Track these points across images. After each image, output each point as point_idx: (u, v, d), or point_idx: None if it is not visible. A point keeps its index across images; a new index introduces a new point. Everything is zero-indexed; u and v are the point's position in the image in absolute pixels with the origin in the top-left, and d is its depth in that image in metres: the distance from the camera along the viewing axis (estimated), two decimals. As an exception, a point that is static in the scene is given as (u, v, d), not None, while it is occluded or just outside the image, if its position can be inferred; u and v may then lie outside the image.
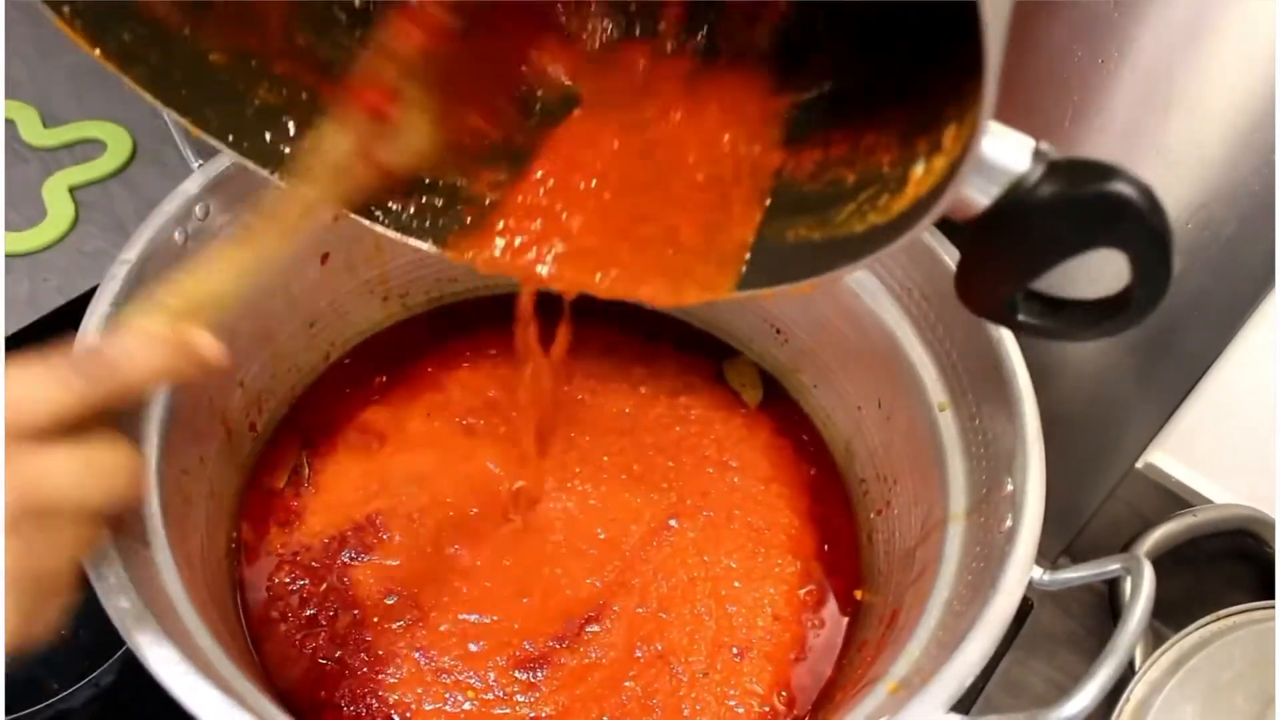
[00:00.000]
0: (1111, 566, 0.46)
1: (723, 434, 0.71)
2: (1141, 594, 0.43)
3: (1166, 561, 0.65)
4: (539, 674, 0.59)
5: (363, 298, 0.72)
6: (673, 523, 0.66)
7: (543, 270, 0.49)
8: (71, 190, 0.89)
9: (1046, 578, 0.48)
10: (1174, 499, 0.71)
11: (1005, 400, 0.55)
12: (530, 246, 0.49)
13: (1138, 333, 0.62)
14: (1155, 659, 0.58)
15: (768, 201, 0.49)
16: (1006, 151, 0.37)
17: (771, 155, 0.50)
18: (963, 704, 0.44)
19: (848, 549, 0.68)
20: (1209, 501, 0.70)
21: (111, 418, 0.40)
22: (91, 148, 0.92)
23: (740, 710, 0.59)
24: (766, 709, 0.59)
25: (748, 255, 0.47)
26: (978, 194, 0.38)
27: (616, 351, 0.75)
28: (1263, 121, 0.52)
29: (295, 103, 0.50)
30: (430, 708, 0.57)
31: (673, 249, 0.48)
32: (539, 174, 0.51)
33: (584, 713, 0.58)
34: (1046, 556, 0.48)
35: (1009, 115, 0.58)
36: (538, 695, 0.58)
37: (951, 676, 0.45)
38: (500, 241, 0.50)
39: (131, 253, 0.53)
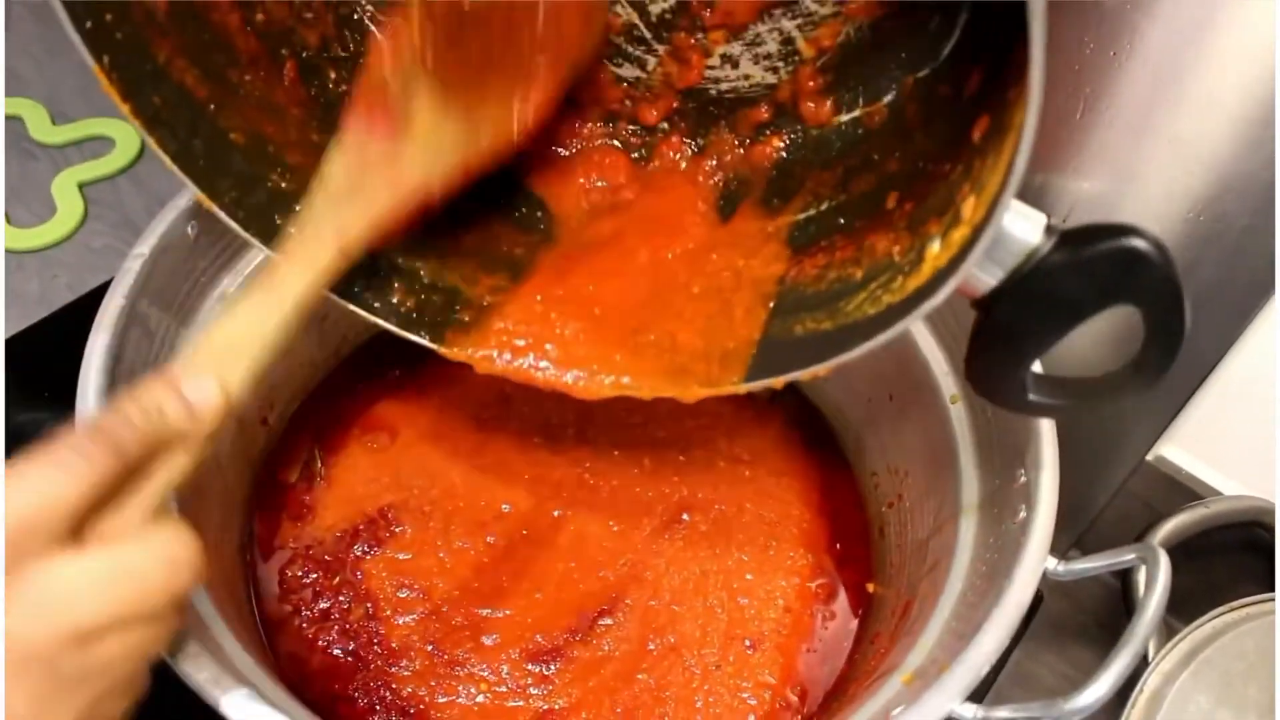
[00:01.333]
0: (1126, 557, 0.46)
1: (734, 427, 0.71)
2: (1157, 584, 0.43)
3: (1178, 553, 0.64)
4: (552, 667, 0.59)
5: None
6: (684, 516, 0.66)
7: (539, 375, 0.50)
8: (81, 187, 0.89)
9: (1060, 568, 0.48)
10: (1185, 491, 0.71)
11: (1017, 392, 0.55)
12: (526, 352, 0.51)
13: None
14: (1168, 650, 0.58)
15: (772, 304, 0.50)
16: (1021, 224, 0.38)
17: (773, 267, 0.51)
18: (974, 696, 0.44)
19: (859, 541, 0.68)
20: (1219, 493, 0.70)
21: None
22: (100, 145, 0.92)
23: (753, 702, 0.59)
24: (779, 701, 0.59)
25: (754, 351, 0.48)
26: (993, 266, 0.39)
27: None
28: (1274, 113, 0.52)
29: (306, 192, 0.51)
30: (443, 700, 0.57)
31: (671, 353, 0.50)
32: (537, 289, 0.52)
33: (597, 705, 0.58)
34: (1058, 550, 0.48)
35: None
36: (551, 688, 0.58)
37: (967, 667, 0.45)
38: (496, 347, 0.51)
39: (145, 246, 0.54)
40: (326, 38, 0.53)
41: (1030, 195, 0.60)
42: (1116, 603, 0.67)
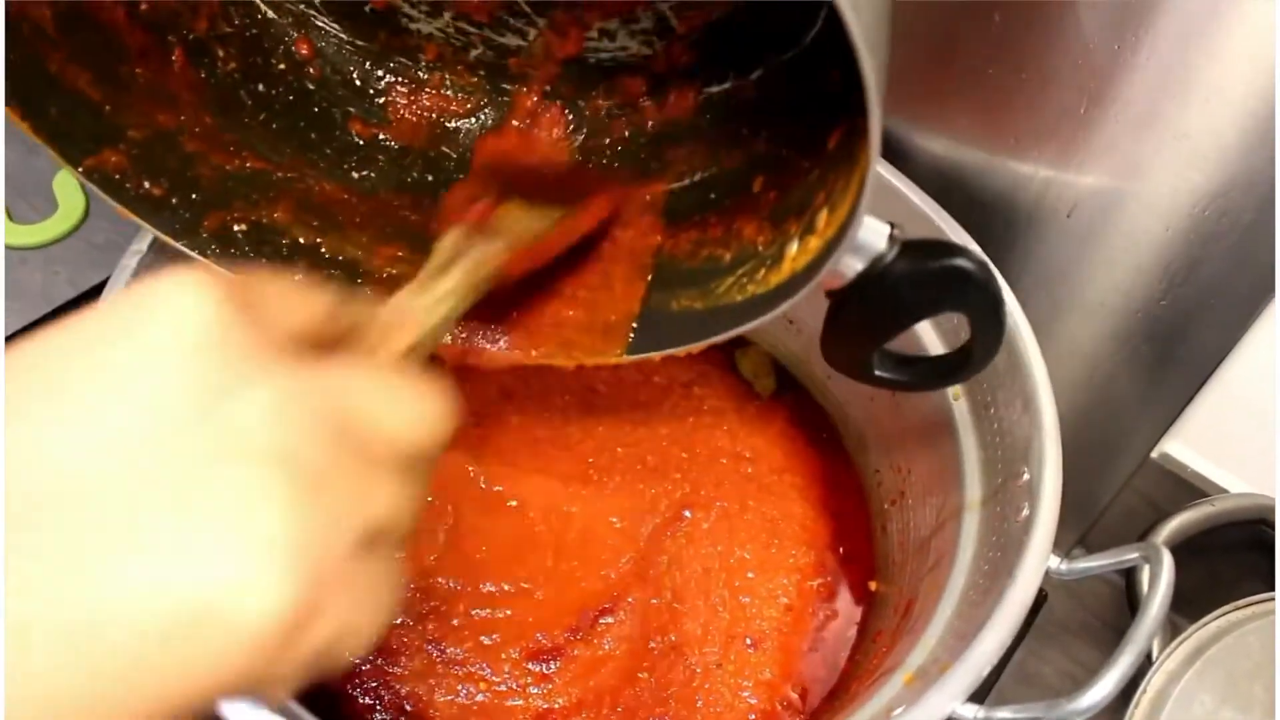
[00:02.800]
0: (1130, 555, 0.46)
1: (736, 424, 0.71)
2: (1161, 583, 0.42)
3: (1183, 551, 0.64)
4: (552, 666, 0.59)
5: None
6: (687, 514, 0.66)
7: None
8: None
9: (1064, 567, 0.48)
10: (1190, 489, 0.70)
11: (1021, 389, 0.54)
12: None
13: (1154, 320, 0.62)
14: (1172, 649, 0.57)
15: (650, 277, 0.52)
16: (868, 233, 0.42)
17: (650, 237, 0.54)
18: (977, 695, 0.44)
19: (862, 539, 0.67)
20: (1224, 491, 0.69)
21: None
22: (102, 140, 0.92)
23: (754, 701, 0.59)
24: (780, 700, 0.59)
25: (635, 324, 0.51)
26: (844, 270, 0.44)
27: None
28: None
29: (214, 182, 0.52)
30: (443, 699, 0.57)
31: (557, 326, 0.52)
32: None
33: (597, 704, 0.58)
34: (1061, 547, 0.48)
35: (1025, 103, 0.58)
36: (551, 687, 0.58)
37: (969, 667, 0.44)
38: None
39: (143, 243, 0.53)
40: (213, 18, 0.53)
41: (1033, 190, 0.61)
42: (1121, 601, 0.67)
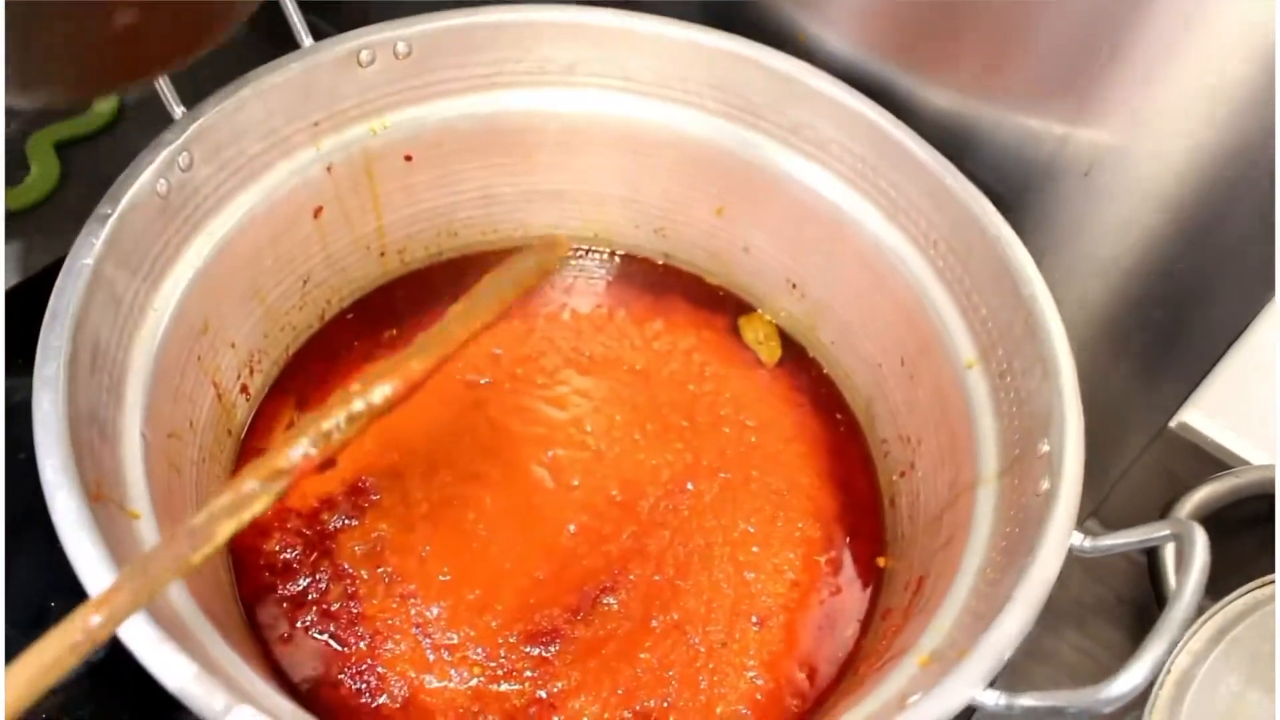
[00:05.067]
0: (1160, 533, 0.43)
1: (739, 392, 0.68)
2: (1194, 564, 0.40)
3: (1206, 526, 0.61)
4: (551, 648, 0.56)
5: (359, 254, 0.68)
6: (689, 485, 0.63)
7: None
8: (56, 147, 0.85)
9: (1087, 544, 0.45)
10: (1209, 460, 0.67)
11: (1039, 357, 0.52)
12: None
13: (1171, 283, 0.60)
14: (1196, 629, 0.54)
15: None
16: None
17: None
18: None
19: (869, 513, 0.65)
20: (1245, 462, 0.66)
21: None
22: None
23: (759, 682, 0.56)
24: (787, 680, 0.57)
25: None
26: None
27: (628, 306, 0.72)
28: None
29: None
30: (434, 685, 0.55)
31: None
32: None
33: (596, 686, 0.55)
34: (1075, 522, 0.46)
35: (1038, 50, 0.55)
36: (550, 670, 0.55)
37: (989, 650, 0.42)
38: None
39: (110, 206, 0.50)
40: None
41: (1048, 147, 0.58)
42: (1140, 576, 0.64)
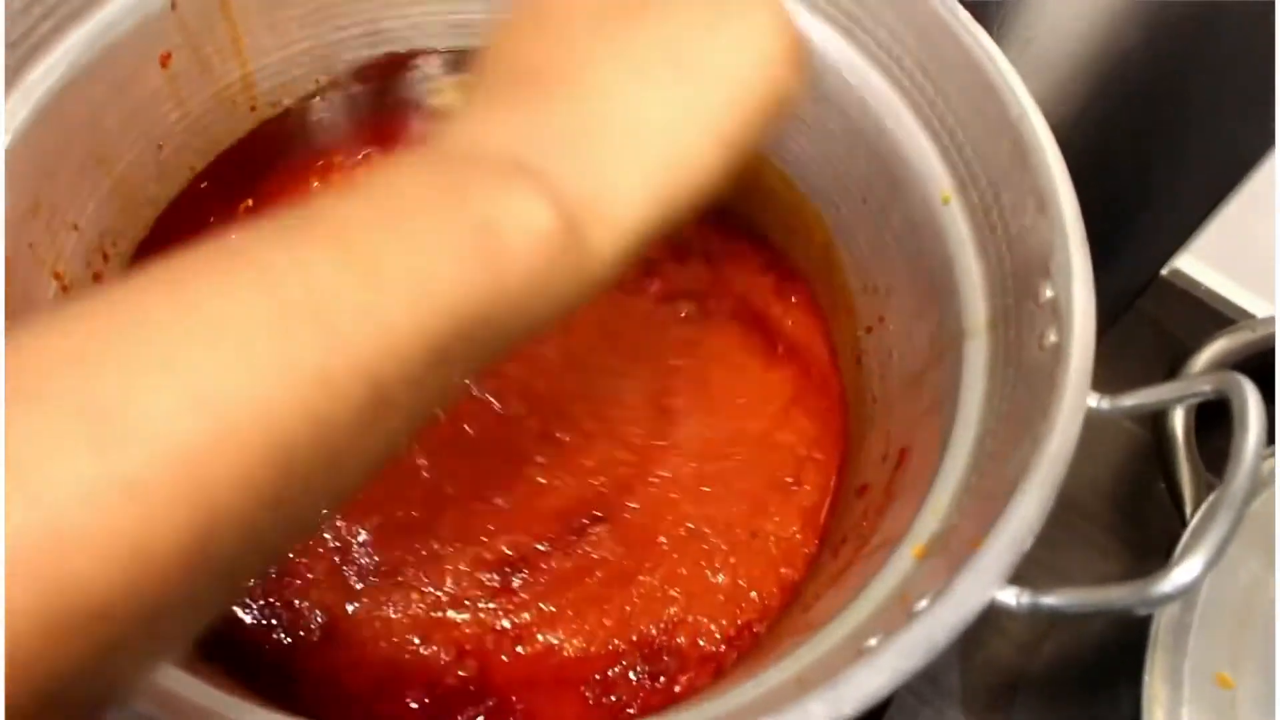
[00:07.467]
0: (1200, 387, 0.37)
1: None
2: (1251, 423, 0.33)
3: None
4: (516, 579, 0.49)
5: (224, 108, 0.57)
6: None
7: None
8: None
9: (1105, 405, 0.39)
10: (1208, 312, 0.60)
11: (1032, 187, 0.44)
12: None
13: (1177, 109, 0.52)
14: (1206, 508, 0.48)
15: None
16: None
17: None
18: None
19: (828, 375, 0.58)
20: (1250, 315, 0.59)
21: None
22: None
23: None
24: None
25: None
26: None
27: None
28: None
29: None
30: (358, 614, 0.47)
31: None
32: None
33: (579, 620, 0.49)
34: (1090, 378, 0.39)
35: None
36: (514, 600, 0.48)
37: (1007, 540, 0.35)
38: None
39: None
40: None
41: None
42: (1144, 450, 0.56)
